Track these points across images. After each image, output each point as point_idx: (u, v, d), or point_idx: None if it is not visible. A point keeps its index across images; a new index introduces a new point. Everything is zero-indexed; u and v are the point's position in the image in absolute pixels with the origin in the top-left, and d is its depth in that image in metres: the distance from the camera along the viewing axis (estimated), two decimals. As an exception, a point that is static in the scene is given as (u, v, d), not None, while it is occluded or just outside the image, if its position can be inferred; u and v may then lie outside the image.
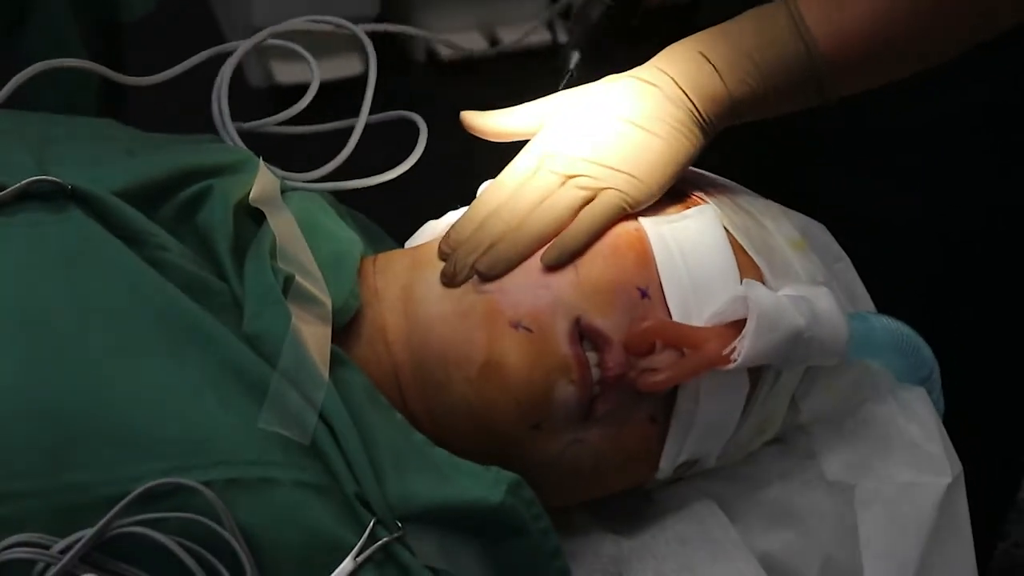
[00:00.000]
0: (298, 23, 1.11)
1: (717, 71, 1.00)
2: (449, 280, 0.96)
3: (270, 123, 1.08)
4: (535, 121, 1.03)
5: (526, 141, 1.03)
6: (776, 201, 1.08)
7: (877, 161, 1.32)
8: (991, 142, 1.29)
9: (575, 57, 1.18)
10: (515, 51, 1.63)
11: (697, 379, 0.95)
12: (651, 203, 0.99)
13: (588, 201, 0.97)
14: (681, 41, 1.02)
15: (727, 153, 1.06)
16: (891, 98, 1.09)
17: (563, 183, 0.98)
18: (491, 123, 1.05)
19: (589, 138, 0.99)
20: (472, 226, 0.98)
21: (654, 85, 1.00)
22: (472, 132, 1.06)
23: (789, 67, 1.00)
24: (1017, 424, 1.48)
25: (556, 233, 0.96)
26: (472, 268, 0.95)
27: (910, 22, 1.01)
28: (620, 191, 0.97)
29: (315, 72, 1.08)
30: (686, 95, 1.00)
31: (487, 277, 0.95)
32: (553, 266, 0.95)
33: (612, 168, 0.98)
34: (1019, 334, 1.40)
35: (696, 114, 1.00)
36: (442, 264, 0.97)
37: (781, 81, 1.00)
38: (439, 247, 0.98)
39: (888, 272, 1.12)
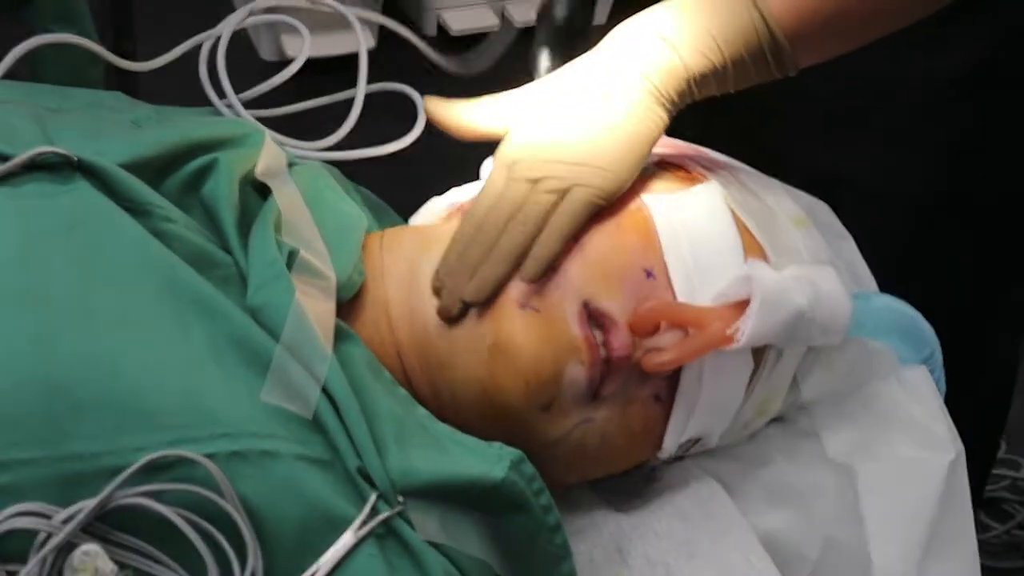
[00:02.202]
0: None
1: (673, 47, 0.97)
2: (445, 316, 0.95)
3: (249, 96, 1.08)
4: (500, 123, 1.01)
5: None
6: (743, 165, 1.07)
7: (851, 124, 1.32)
8: (966, 104, 1.29)
9: (544, 62, 1.16)
10: (525, 26, 1.62)
11: (701, 359, 0.95)
12: (624, 190, 0.97)
13: (558, 203, 0.95)
14: (634, 17, 1.00)
15: (692, 120, 1.05)
16: (865, 61, 1.08)
17: (532, 190, 0.95)
18: (455, 118, 1.03)
19: (550, 137, 0.97)
20: (456, 256, 0.96)
21: (610, 68, 0.98)
22: (433, 122, 1.04)
23: (747, 40, 0.98)
24: (990, 397, 1.48)
25: (532, 242, 0.94)
26: (461, 300, 0.94)
27: None
28: (587, 186, 0.95)
29: (306, 44, 1.09)
30: (644, 74, 0.97)
31: (477, 304, 0.94)
32: (532, 279, 0.94)
33: (577, 164, 0.95)
34: (991, 298, 1.40)
35: (656, 92, 0.97)
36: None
37: (739, 55, 0.98)
38: (432, 283, 0.96)
39: (859, 236, 1.12)
